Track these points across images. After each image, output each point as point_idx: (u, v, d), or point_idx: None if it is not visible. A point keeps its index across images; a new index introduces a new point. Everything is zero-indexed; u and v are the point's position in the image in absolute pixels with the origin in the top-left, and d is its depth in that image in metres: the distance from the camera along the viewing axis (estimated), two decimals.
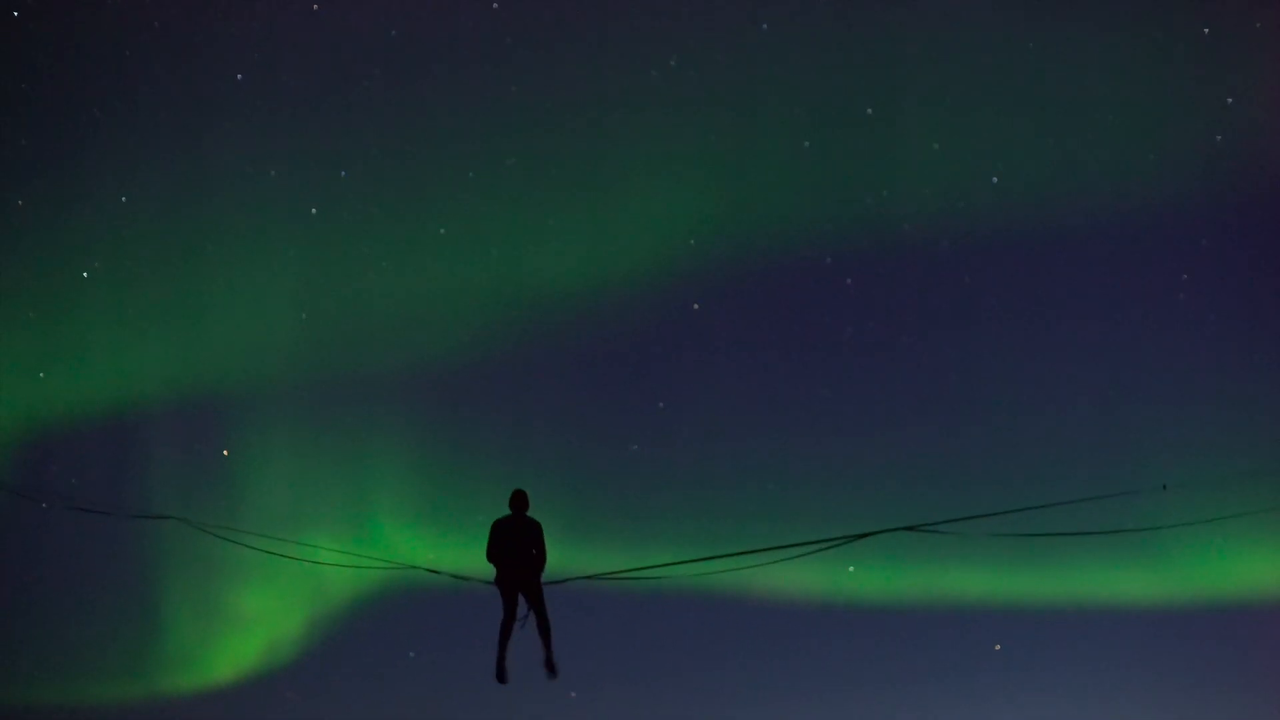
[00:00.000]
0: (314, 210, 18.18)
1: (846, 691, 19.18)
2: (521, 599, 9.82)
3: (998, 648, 18.54)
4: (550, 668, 9.93)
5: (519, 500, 9.64)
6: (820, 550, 10.26)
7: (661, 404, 18.85)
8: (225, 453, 18.37)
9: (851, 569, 18.34)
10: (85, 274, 18.19)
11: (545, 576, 9.97)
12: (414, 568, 10.41)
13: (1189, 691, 17.97)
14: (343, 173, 18.18)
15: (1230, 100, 17.30)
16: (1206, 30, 17.35)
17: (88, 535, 18.48)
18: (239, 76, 18.06)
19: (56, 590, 19.26)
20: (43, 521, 18.46)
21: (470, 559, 17.92)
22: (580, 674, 19.42)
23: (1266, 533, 16.91)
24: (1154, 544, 17.48)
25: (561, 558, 17.61)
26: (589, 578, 9.99)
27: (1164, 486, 9.48)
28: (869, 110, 17.93)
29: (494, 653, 9.82)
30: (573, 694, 19.02)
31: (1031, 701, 18.53)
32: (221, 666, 19.38)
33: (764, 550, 9.80)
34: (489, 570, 10.27)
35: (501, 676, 9.89)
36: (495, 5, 17.92)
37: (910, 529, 9.76)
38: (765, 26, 17.92)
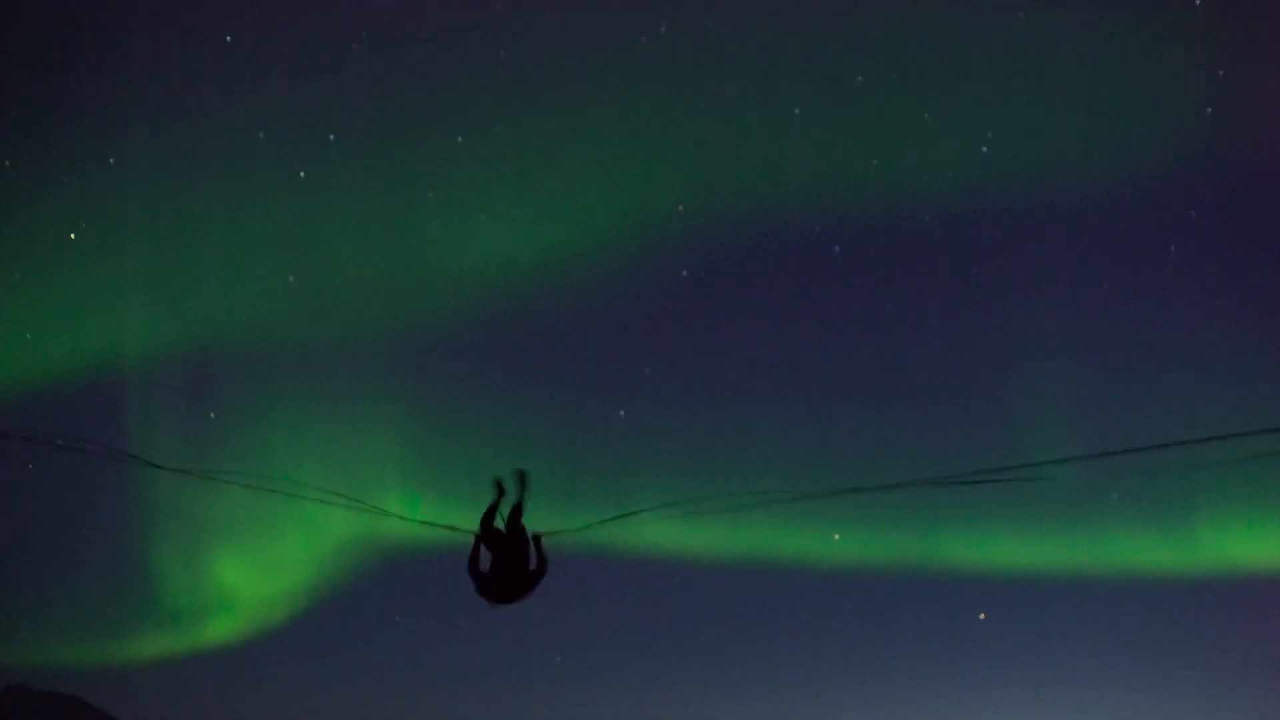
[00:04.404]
0: (302, 174, 18.11)
1: (828, 658, 19.33)
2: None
3: (982, 616, 18.67)
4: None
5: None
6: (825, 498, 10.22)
7: (649, 369, 18.91)
8: (211, 415, 18.41)
9: (837, 537, 18.44)
10: (72, 235, 18.14)
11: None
12: (405, 518, 10.26)
13: (1170, 658, 18.14)
14: (331, 136, 18.10)
15: (1221, 73, 17.25)
16: (1197, 2, 17.29)
17: (77, 496, 18.54)
18: (227, 39, 17.95)
19: (46, 549, 19.33)
20: (31, 484, 18.51)
21: (457, 521, 18.03)
22: (566, 639, 19.60)
23: (1242, 503, 17.03)
24: (1136, 515, 17.61)
25: (549, 521, 17.73)
26: (579, 529, 9.87)
27: (1148, 448, 9.36)
28: (859, 79, 17.88)
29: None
30: (559, 659, 19.15)
31: (1014, 670, 18.69)
32: (211, 629, 19.49)
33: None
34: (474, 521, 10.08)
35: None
36: None
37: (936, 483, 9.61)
38: None
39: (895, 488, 9.16)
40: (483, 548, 9.40)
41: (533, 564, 9.34)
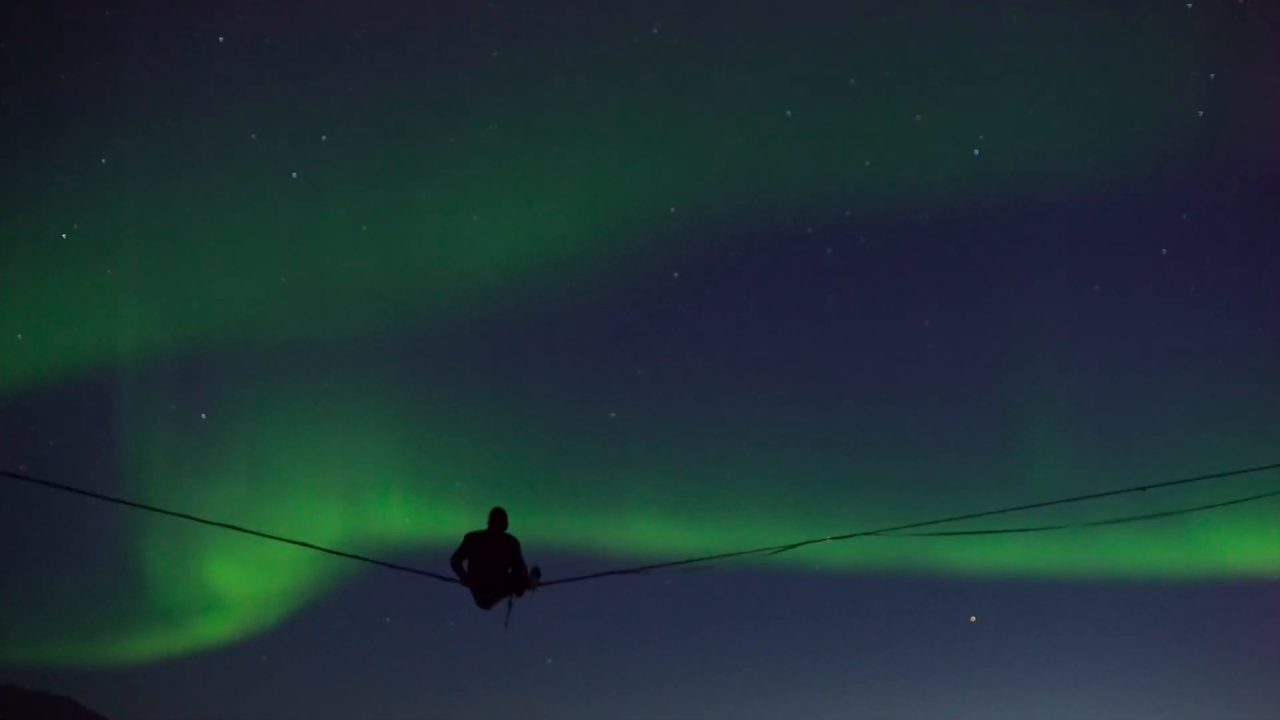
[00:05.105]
0: (295, 174, 18.11)
1: (820, 658, 19.31)
2: (505, 600, 9.74)
3: (973, 619, 18.65)
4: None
5: (498, 518, 9.54)
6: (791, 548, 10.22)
7: (641, 371, 18.91)
8: (203, 415, 18.41)
9: (829, 539, 18.37)
10: (64, 236, 18.13)
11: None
12: (387, 565, 10.23)
13: (1163, 660, 18.15)
14: (324, 137, 18.12)
15: (1212, 76, 17.26)
16: (1190, 5, 17.31)
17: (68, 496, 18.46)
18: (220, 39, 17.97)
19: (37, 549, 19.33)
20: (21, 487, 18.42)
21: (449, 521, 18.03)
22: (557, 640, 19.57)
23: (1236, 507, 16.97)
24: (1127, 516, 17.53)
25: (541, 523, 17.74)
26: (570, 580, 9.89)
27: (1143, 489, 9.48)
28: (851, 81, 17.90)
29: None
30: (550, 660, 19.13)
31: (1005, 671, 18.69)
32: (203, 630, 19.48)
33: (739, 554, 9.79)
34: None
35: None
36: None
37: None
38: None
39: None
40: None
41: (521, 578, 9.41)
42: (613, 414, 18.53)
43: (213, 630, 19.38)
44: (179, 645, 19.32)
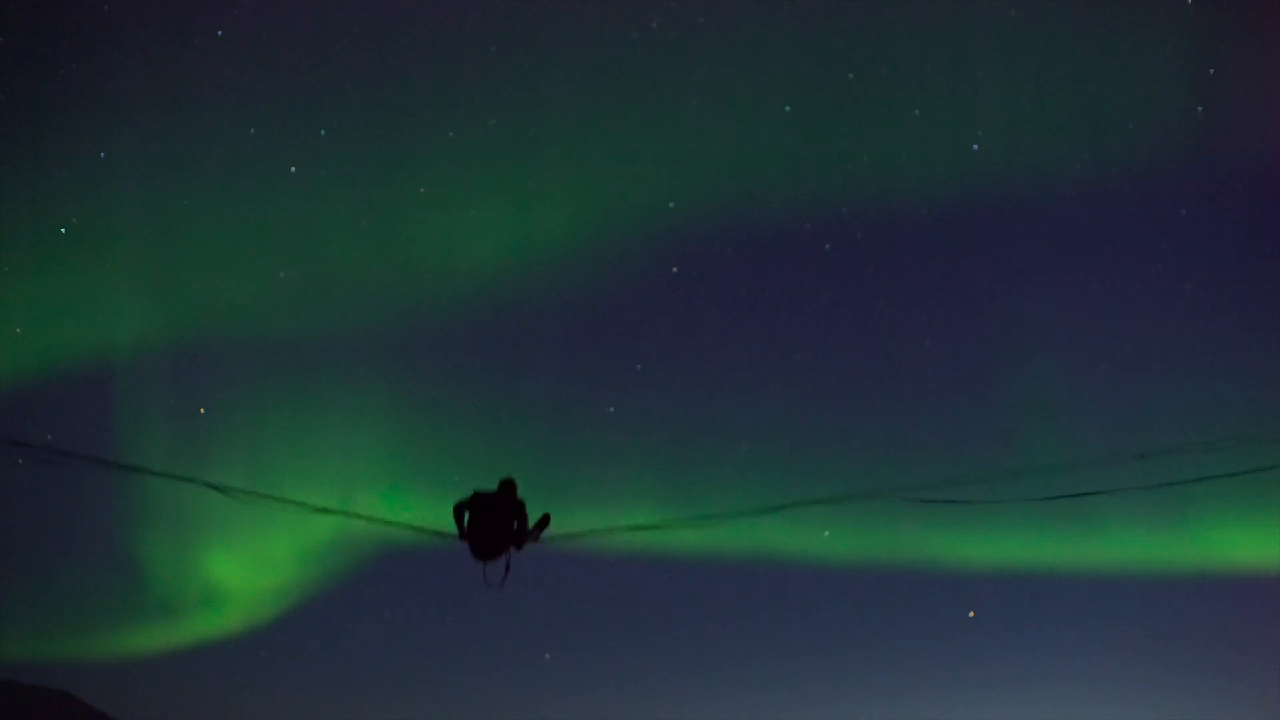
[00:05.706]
0: (293, 169, 18.11)
1: (817, 654, 19.34)
2: (501, 560, 9.80)
3: (971, 614, 18.66)
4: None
5: (508, 486, 9.65)
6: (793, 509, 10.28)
7: (639, 366, 18.91)
8: (201, 410, 18.40)
9: (827, 534, 18.43)
10: (63, 229, 18.12)
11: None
12: (397, 524, 10.26)
13: (1162, 655, 18.17)
14: (322, 131, 18.11)
15: (1212, 71, 17.26)
16: (1189, 0, 17.32)
17: (67, 489, 18.55)
18: (219, 33, 17.96)
19: (36, 543, 19.34)
20: (21, 478, 18.50)
21: (446, 515, 18.01)
22: (555, 635, 19.60)
23: (1236, 501, 17.03)
24: (1129, 512, 17.60)
25: (539, 517, 17.70)
26: (569, 536, 9.98)
27: (1141, 456, 9.52)
28: (850, 76, 17.89)
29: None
30: (548, 655, 19.16)
31: (1004, 668, 18.71)
32: (201, 624, 19.50)
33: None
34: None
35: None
36: None
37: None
38: None
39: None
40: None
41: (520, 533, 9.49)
42: (611, 409, 18.55)
43: (211, 624, 19.43)
44: (178, 639, 19.37)
